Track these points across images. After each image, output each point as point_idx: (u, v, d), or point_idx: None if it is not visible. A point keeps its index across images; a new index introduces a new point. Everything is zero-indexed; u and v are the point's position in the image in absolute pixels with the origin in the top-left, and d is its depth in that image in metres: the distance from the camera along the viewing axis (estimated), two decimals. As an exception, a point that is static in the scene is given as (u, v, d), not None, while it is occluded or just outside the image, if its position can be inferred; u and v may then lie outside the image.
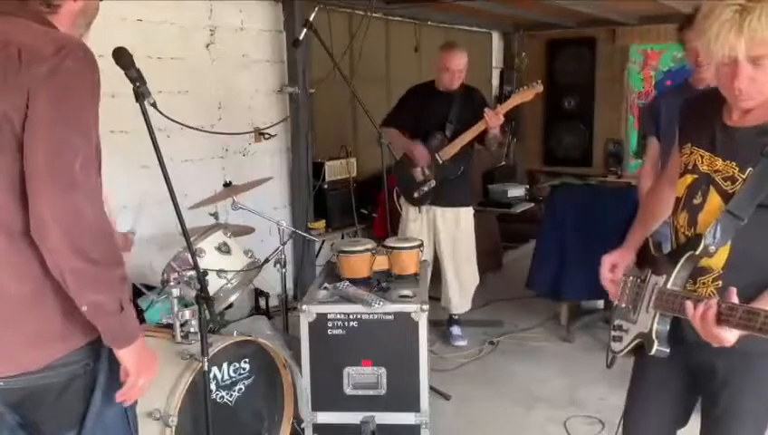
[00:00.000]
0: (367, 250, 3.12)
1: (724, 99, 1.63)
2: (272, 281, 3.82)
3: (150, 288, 2.99)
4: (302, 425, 2.91)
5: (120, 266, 1.56)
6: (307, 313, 2.85)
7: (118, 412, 1.67)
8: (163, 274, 2.86)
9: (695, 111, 1.82)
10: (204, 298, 2.14)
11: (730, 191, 1.62)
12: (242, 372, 2.67)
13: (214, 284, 2.85)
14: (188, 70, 4.15)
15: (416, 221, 4.27)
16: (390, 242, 3.27)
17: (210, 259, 2.88)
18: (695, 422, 1.91)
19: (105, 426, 1.64)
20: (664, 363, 1.74)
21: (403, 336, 2.83)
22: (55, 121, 1.44)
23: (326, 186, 4.85)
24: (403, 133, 4.26)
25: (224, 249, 2.96)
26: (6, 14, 1.52)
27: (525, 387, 3.82)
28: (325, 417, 2.90)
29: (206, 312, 2.16)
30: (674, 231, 1.79)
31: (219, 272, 2.87)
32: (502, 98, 7.32)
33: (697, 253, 1.64)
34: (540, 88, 4.00)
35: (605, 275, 1.94)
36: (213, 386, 2.53)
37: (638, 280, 1.87)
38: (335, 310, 2.85)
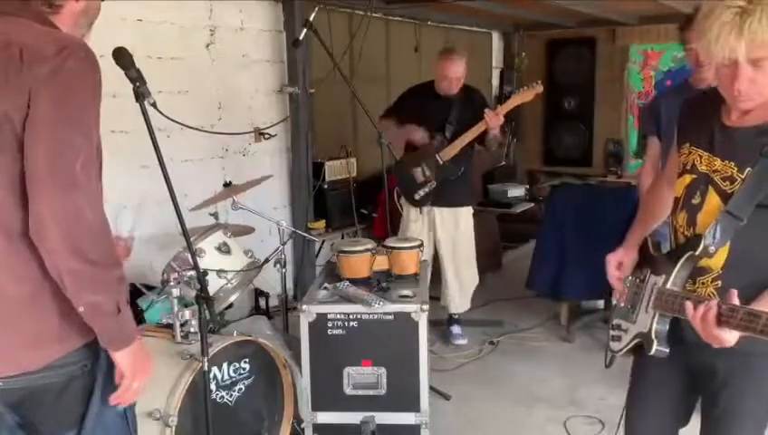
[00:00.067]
0: (367, 250, 3.12)
1: (723, 99, 1.63)
2: (272, 281, 3.82)
3: (150, 288, 2.99)
4: (302, 425, 2.91)
5: (117, 267, 1.56)
6: (307, 313, 2.85)
7: (117, 413, 1.67)
8: (163, 274, 2.86)
9: (693, 111, 1.82)
10: (204, 298, 2.14)
11: (729, 191, 1.62)
12: (242, 372, 2.67)
13: (214, 284, 2.85)
14: (188, 70, 4.15)
15: (416, 222, 4.28)
16: (390, 242, 3.27)
17: (210, 259, 2.88)
18: (695, 422, 1.91)
19: (104, 426, 1.64)
20: (663, 363, 1.74)
21: (403, 336, 2.83)
22: (57, 122, 1.44)
23: (326, 186, 4.85)
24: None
25: (224, 249, 2.96)
26: (8, 14, 1.52)
27: (525, 387, 3.82)
28: (325, 417, 2.90)
29: (206, 312, 2.16)
30: (673, 231, 1.79)
31: (219, 272, 2.87)
32: (502, 98, 7.32)
33: (697, 253, 1.64)
34: (540, 88, 4.00)
35: (613, 274, 1.93)
36: (213, 386, 2.53)
37: (637, 280, 1.87)
38: (335, 310, 2.85)
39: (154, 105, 1.90)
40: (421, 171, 4.17)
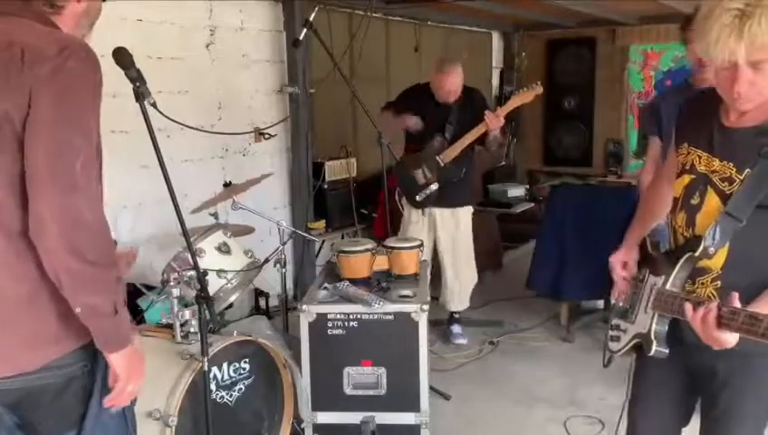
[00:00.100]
0: (367, 250, 3.12)
1: (722, 99, 1.63)
2: (272, 281, 3.82)
3: (150, 288, 2.99)
4: (302, 425, 2.91)
5: (115, 268, 1.56)
6: (307, 313, 2.85)
7: (116, 413, 1.66)
8: (163, 274, 2.86)
9: (692, 111, 1.82)
10: (204, 298, 2.14)
11: (728, 192, 1.62)
12: (242, 372, 2.68)
13: (214, 284, 2.85)
14: (188, 70, 4.15)
15: (417, 223, 4.29)
16: (390, 242, 3.27)
17: (210, 259, 2.88)
18: (694, 422, 1.91)
19: (104, 427, 1.64)
20: (663, 364, 1.74)
21: (403, 336, 2.83)
22: (57, 122, 1.44)
23: (326, 186, 4.85)
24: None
25: (224, 249, 2.95)
26: (10, 14, 1.52)
27: (525, 387, 3.82)
28: (325, 417, 2.90)
29: (206, 312, 2.16)
30: (672, 231, 1.79)
31: (219, 272, 2.87)
32: (502, 98, 7.33)
33: (697, 254, 1.64)
34: (539, 90, 4.01)
35: (620, 274, 1.93)
36: (213, 386, 2.53)
37: (636, 280, 1.87)
38: (335, 310, 2.85)
39: (154, 105, 1.90)
40: (422, 173, 4.18)
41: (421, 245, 3.28)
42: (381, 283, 3.07)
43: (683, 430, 1.95)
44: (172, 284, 2.66)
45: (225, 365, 2.61)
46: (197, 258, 2.35)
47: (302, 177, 4.78)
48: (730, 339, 1.47)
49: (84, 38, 1.60)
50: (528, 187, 6.80)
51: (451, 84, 4.09)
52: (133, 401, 1.75)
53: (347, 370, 2.86)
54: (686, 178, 1.73)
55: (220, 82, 4.38)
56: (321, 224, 4.84)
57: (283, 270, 3.42)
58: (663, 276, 1.71)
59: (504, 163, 6.89)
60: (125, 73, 1.85)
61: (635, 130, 7.07)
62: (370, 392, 2.86)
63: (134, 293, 2.97)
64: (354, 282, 3.01)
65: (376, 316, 2.83)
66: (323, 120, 5.09)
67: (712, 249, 1.62)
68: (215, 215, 3.23)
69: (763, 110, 1.58)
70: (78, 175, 1.45)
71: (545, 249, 4.59)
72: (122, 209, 3.78)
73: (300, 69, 4.63)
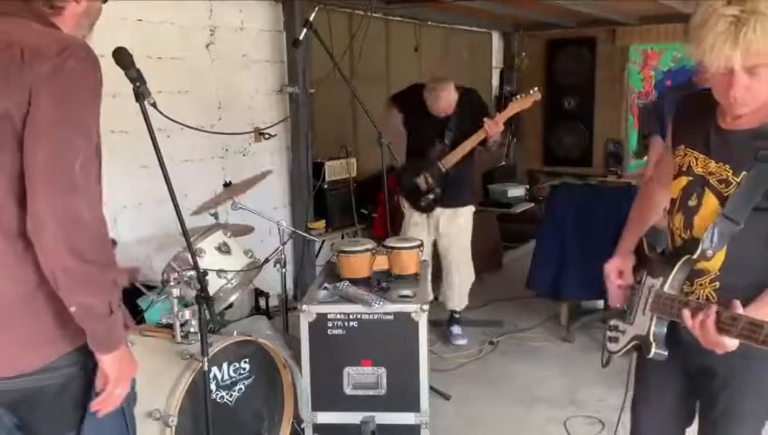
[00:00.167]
0: (367, 250, 3.12)
1: (717, 101, 1.63)
2: (272, 281, 3.82)
3: (150, 288, 2.99)
4: (302, 425, 2.91)
5: (112, 269, 1.55)
6: (307, 313, 2.85)
7: (115, 414, 1.66)
8: (163, 274, 2.86)
9: (688, 113, 1.82)
10: (204, 298, 2.14)
11: (725, 194, 1.62)
12: (242, 372, 2.67)
13: (214, 284, 2.84)
14: (188, 70, 4.15)
15: (418, 225, 4.30)
16: (390, 242, 3.27)
17: (210, 259, 2.88)
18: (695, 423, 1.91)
19: (103, 428, 1.64)
20: (663, 365, 1.74)
21: (403, 336, 2.83)
22: (57, 122, 1.44)
23: (326, 186, 4.85)
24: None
25: (224, 249, 2.95)
26: (10, 14, 1.52)
27: (525, 387, 3.82)
28: (325, 417, 2.90)
29: (206, 312, 2.16)
30: (669, 233, 1.79)
31: (219, 272, 2.87)
32: (502, 98, 7.33)
33: (695, 257, 1.64)
34: (538, 96, 4.05)
35: (615, 282, 1.91)
36: (213, 386, 2.53)
37: (633, 281, 1.86)
38: (335, 310, 2.85)
39: (154, 105, 1.90)
40: (424, 179, 4.20)
41: (421, 245, 3.29)
42: (381, 283, 3.07)
43: (686, 430, 1.95)
44: (172, 284, 2.66)
45: (225, 365, 2.61)
46: (197, 258, 2.35)
47: (302, 177, 4.78)
48: (730, 343, 1.46)
49: (85, 38, 1.60)
50: (528, 187, 6.80)
51: (444, 102, 4.10)
52: (133, 402, 1.75)
53: (347, 370, 2.86)
54: (684, 180, 1.73)
55: (220, 82, 4.38)
56: (321, 224, 4.84)
57: (283, 270, 3.42)
58: (661, 278, 1.71)
59: (504, 163, 6.90)
60: (125, 73, 1.85)
61: (635, 130, 7.07)
62: (370, 392, 2.86)
63: (134, 293, 2.97)
64: (354, 282, 3.02)
65: (376, 316, 2.83)
66: (323, 120, 5.09)
67: (710, 252, 1.62)
68: (215, 215, 3.23)
69: (759, 113, 1.58)
70: (77, 175, 1.45)
71: (545, 249, 4.59)
72: (122, 209, 3.78)
73: (300, 69, 4.63)
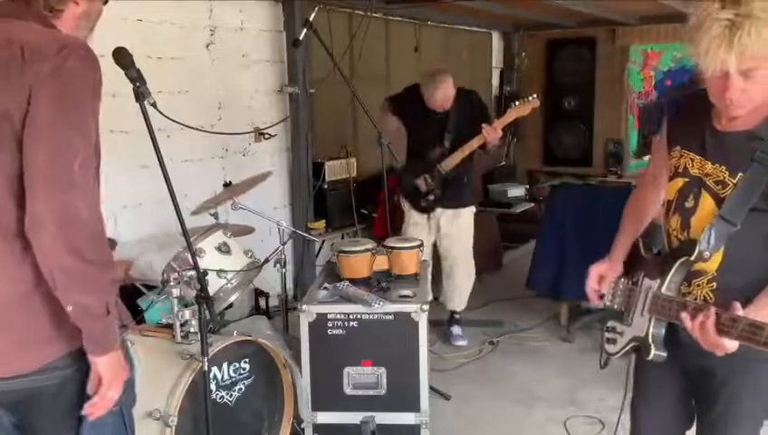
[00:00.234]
0: (367, 250, 3.12)
1: (713, 102, 1.64)
2: (272, 281, 3.82)
3: (150, 288, 2.99)
4: (302, 425, 2.91)
5: (110, 269, 1.55)
6: (307, 313, 2.85)
7: (114, 415, 1.66)
8: (163, 274, 2.86)
9: (683, 115, 1.82)
10: (204, 298, 2.14)
11: (722, 195, 1.62)
12: (242, 372, 2.67)
13: (214, 284, 2.84)
14: (188, 70, 4.15)
15: (418, 225, 4.30)
16: (390, 242, 3.27)
17: (210, 259, 2.88)
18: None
19: (102, 428, 1.63)
20: (662, 366, 1.74)
21: (403, 336, 2.83)
22: (57, 121, 1.44)
23: (326, 186, 4.85)
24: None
25: (224, 249, 2.95)
26: (9, 16, 1.52)
27: (525, 387, 3.82)
28: (325, 417, 2.90)
29: (206, 312, 2.16)
30: (666, 234, 1.79)
31: (219, 272, 2.87)
32: (502, 98, 7.34)
33: (692, 259, 1.64)
34: (537, 103, 4.06)
35: (592, 286, 1.92)
36: (213, 386, 2.53)
37: (630, 282, 1.86)
38: (335, 310, 2.85)
39: (154, 105, 1.90)
40: (424, 181, 4.21)
41: (421, 245, 3.29)
42: (381, 283, 3.07)
43: (686, 433, 1.95)
44: (172, 284, 2.66)
45: (225, 365, 2.61)
46: (197, 258, 2.35)
47: (302, 177, 4.78)
48: (730, 345, 1.46)
49: (85, 39, 1.60)
50: (528, 187, 6.81)
51: (442, 95, 4.09)
52: (132, 403, 1.75)
53: (347, 370, 2.86)
54: (680, 182, 1.73)
55: (220, 82, 4.38)
56: (321, 224, 4.84)
57: (283, 270, 3.42)
58: (658, 280, 1.71)
59: (504, 163, 6.89)
60: (125, 73, 1.85)
61: (635, 130, 7.07)
62: (370, 392, 2.86)
63: (134, 293, 2.97)
64: (354, 282, 3.02)
65: (376, 316, 2.83)
66: (323, 120, 5.09)
67: (707, 253, 1.62)
68: (215, 215, 3.23)
69: (755, 114, 1.58)
70: (76, 174, 1.45)
71: (545, 249, 4.59)
72: (122, 209, 3.78)
73: (300, 69, 4.63)
